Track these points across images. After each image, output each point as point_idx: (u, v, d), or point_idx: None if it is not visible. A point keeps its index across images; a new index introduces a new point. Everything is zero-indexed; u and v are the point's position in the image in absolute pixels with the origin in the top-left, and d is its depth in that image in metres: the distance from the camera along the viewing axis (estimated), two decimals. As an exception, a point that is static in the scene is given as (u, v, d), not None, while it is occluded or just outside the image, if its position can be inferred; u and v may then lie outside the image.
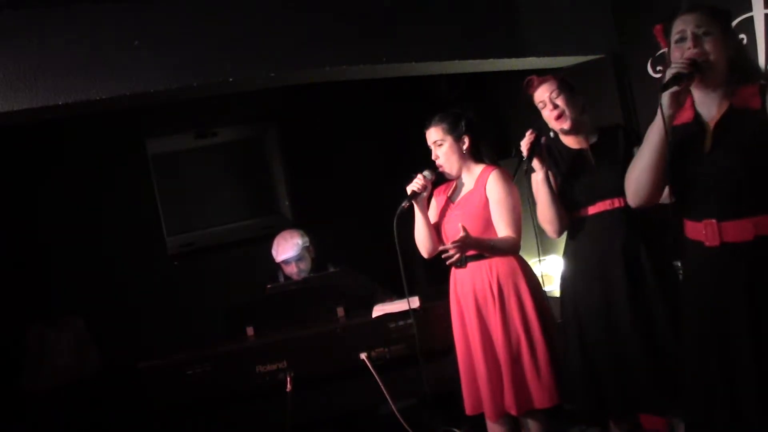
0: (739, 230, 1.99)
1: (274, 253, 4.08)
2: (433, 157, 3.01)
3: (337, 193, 5.19)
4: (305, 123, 5.22)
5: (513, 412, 2.87)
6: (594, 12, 3.80)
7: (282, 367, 3.23)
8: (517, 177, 2.76)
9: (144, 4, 2.90)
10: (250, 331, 3.51)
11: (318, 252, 4.14)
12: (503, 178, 2.90)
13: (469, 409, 3.02)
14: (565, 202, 2.73)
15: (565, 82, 2.76)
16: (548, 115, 2.72)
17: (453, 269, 3.05)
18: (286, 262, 4.03)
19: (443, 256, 2.84)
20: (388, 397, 3.19)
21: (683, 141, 2.10)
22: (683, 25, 2.06)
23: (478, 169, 3.00)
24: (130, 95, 2.85)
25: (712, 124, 2.06)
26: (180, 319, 4.55)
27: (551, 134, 2.78)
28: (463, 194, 3.01)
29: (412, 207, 3.00)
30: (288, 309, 3.62)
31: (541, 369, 2.83)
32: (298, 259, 4.02)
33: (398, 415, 3.23)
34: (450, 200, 3.07)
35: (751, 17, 3.15)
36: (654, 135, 2.08)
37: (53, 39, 2.75)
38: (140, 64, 2.86)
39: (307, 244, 4.07)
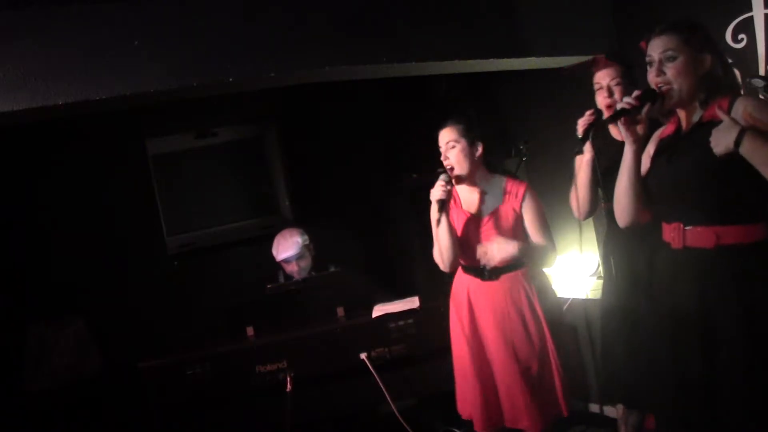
0: (701, 237, 2.04)
1: (274, 252, 4.08)
2: (442, 158, 2.96)
3: (337, 193, 5.18)
4: (305, 123, 5.21)
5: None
6: (594, 12, 3.79)
7: (282, 367, 3.24)
8: (517, 172, 2.74)
9: (144, 4, 2.90)
10: (250, 331, 3.51)
11: (318, 251, 4.14)
12: (536, 196, 2.96)
13: (487, 427, 2.91)
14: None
15: (627, 75, 2.77)
16: (601, 99, 2.75)
17: (462, 282, 3.00)
18: (286, 261, 4.03)
19: None
20: (388, 397, 3.19)
21: (662, 152, 2.19)
22: (651, 50, 2.11)
23: (499, 180, 2.99)
24: (130, 95, 2.85)
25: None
26: (180, 319, 4.55)
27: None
28: (493, 208, 2.95)
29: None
30: (288, 309, 3.62)
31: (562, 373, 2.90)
32: (299, 257, 4.02)
33: (398, 415, 3.24)
34: (472, 213, 2.98)
35: (751, 17, 3.14)
36: (623, 160, 2.20)
37: (53, 39, 2.74)
38: (140, 64, 2.85)
39: (307, 243, 4.07)
